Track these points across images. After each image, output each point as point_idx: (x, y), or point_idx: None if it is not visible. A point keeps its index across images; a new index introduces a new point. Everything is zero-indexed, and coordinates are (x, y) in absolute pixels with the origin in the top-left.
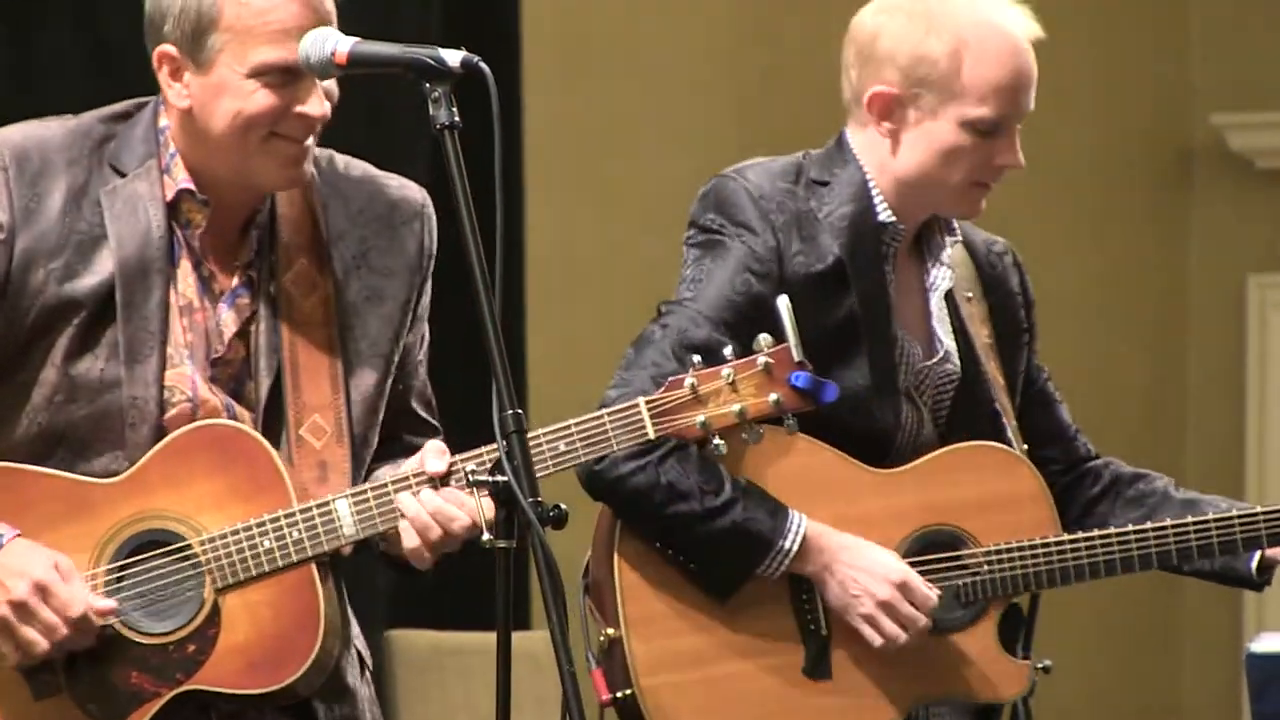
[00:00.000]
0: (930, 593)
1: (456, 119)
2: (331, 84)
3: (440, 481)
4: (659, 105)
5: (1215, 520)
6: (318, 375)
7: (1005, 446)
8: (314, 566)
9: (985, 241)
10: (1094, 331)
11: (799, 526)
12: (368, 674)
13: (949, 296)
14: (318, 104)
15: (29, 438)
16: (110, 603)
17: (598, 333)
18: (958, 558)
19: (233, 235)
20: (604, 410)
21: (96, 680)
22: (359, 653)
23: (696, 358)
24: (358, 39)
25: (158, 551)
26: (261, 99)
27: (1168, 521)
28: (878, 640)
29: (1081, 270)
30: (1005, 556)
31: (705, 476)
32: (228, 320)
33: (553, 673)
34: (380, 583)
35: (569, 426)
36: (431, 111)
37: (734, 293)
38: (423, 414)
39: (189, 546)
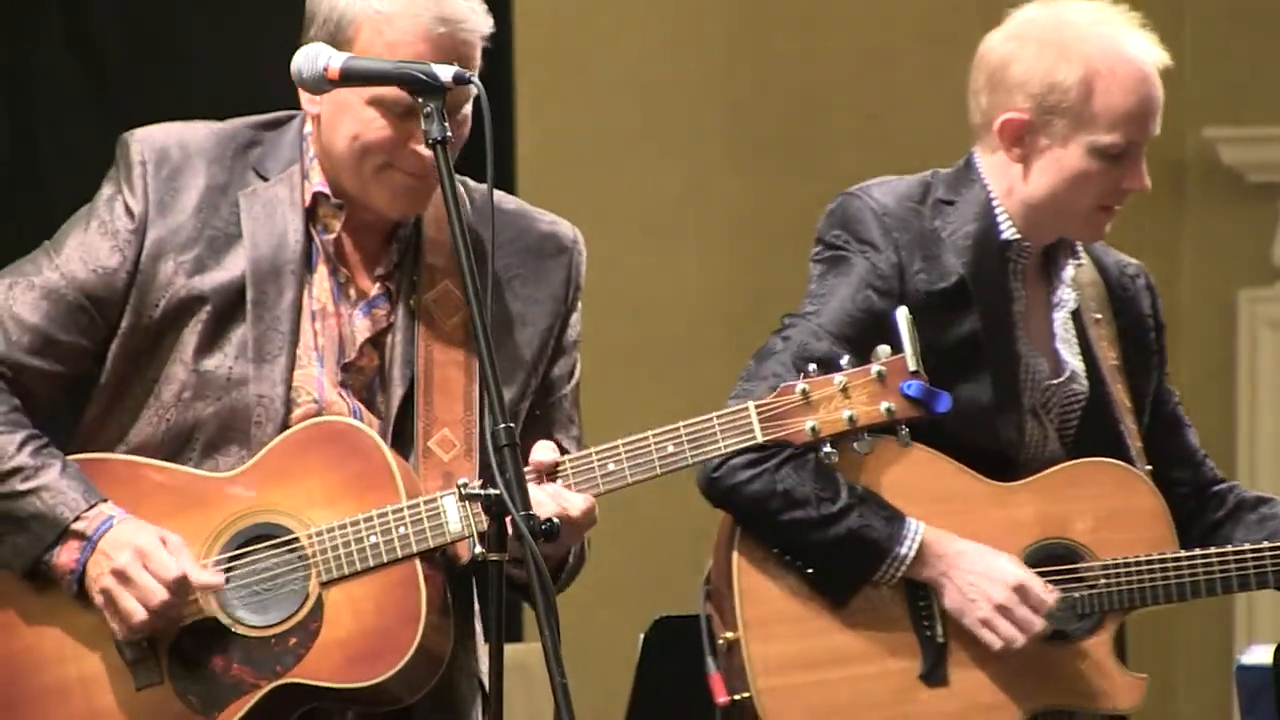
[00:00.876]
0: (1047, 596)
1: (449, 133)
2: (464, 120)
3: (547, 476)
4: (650, 118)
5: None
6: (452, 393)
7: (1125, 464)
8: (419, 564)
9: (1118, 264)
10: None
11: (916, 532)
12: (481, 703)
13: (1076, 317)
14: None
15: (159, 435)
16: (218, 577)
17: (589, 344)
18: (1074, 571)
19: (375, 244)
20: (714, 414)
21: (197, 671)
22: (480, 681)
23: (813, 366)
24: (350, 55)
25: (266, 544)
26: (378, 129)
27: None
28: (995, 643)
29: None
30: (1122, 571)
31: (821, 483)
32: (361, 327)
33: (545, 685)
34: None
35: (678, 428)
36: (424, 125)
37: (855, 308)
38: (569, 448)
39: (296, 540)
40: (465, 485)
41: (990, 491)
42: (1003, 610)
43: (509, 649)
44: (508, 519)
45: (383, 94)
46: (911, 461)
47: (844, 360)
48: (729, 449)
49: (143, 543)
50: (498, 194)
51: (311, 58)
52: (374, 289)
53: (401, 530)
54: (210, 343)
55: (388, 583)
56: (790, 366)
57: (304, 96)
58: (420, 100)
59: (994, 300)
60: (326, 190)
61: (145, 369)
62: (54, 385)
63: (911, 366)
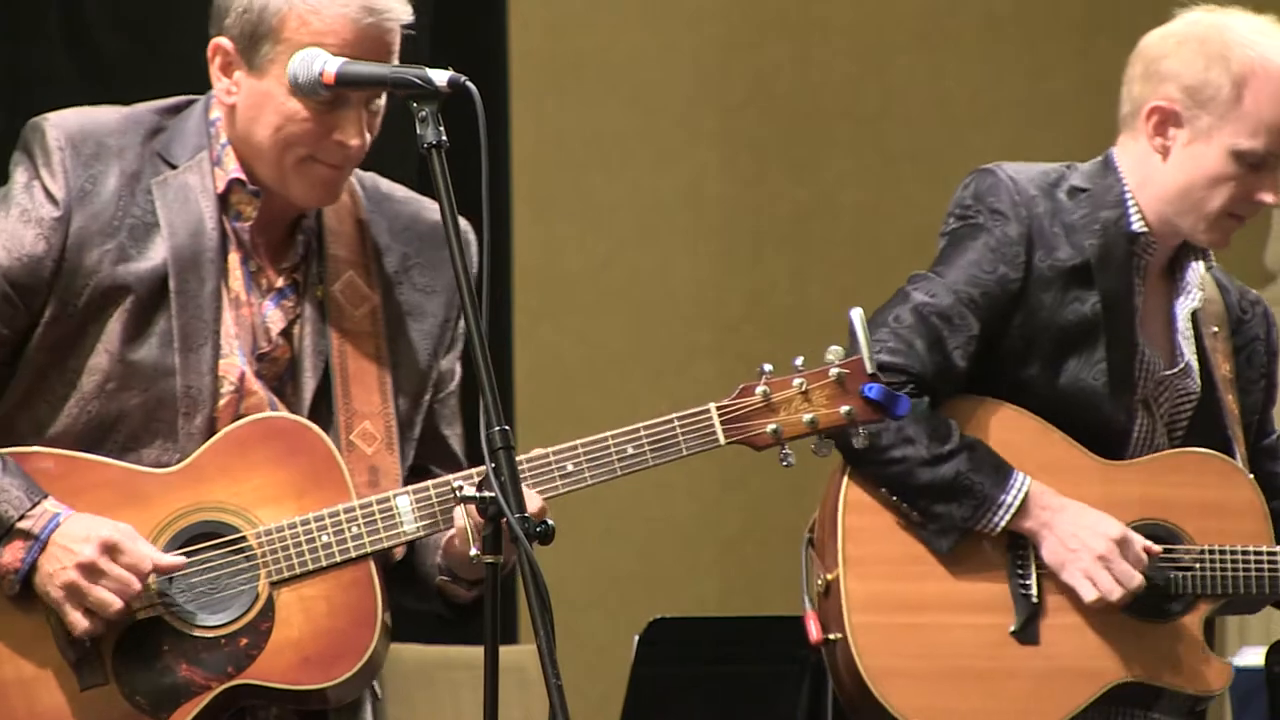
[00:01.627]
0: (1147, 547)
1: (444, 138)
2: (378, 111)
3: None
4: (644, 123)
5: None
6: (368, 384)
7: (1230, 459)
8: (371, 564)
9: (1240, 289)
10: None
11: (1022, 483)
12: (376, 705)
13: (1194, 321)
14: (357, 134)
15: (78, 427)
16: (179, 558)
17: (584, 348)
18: (1171, 552)
19: (279, 236)
20: (674, 415)
21: (144, 671)
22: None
23: (767, 366)
24: (345, 59)
25: (212, 543)
26: (303, 120)
27: None
28: (1092, 594)
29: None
30: (1218, 557)
31: (934, 425)
32: (274, 317)
33: (540, 686)
34: None
35: (638, 430)
36: (419, 130)
37: (981, 271)
38: (454, 446)
39: (244, 539)
40: (461, 488)
41: (1096, 467)
42: (1103, 560)
43: (504, 650)
44: (503, 521)
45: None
46: (1022, 427)
47: (799, 360)
48: (690, 452)
49: (107, 535)
50: (387, 181)
51: (307, 62)
52: (280, 280)
53: (354, 530)
54: (136, 332)
55: (340, 583)
56: (912, 313)
57: (220, 85)
58: (416, 104)
59: (1117, 287)
60: (242, 176)
61: (67, 359)
62: None
63: (869, 369)
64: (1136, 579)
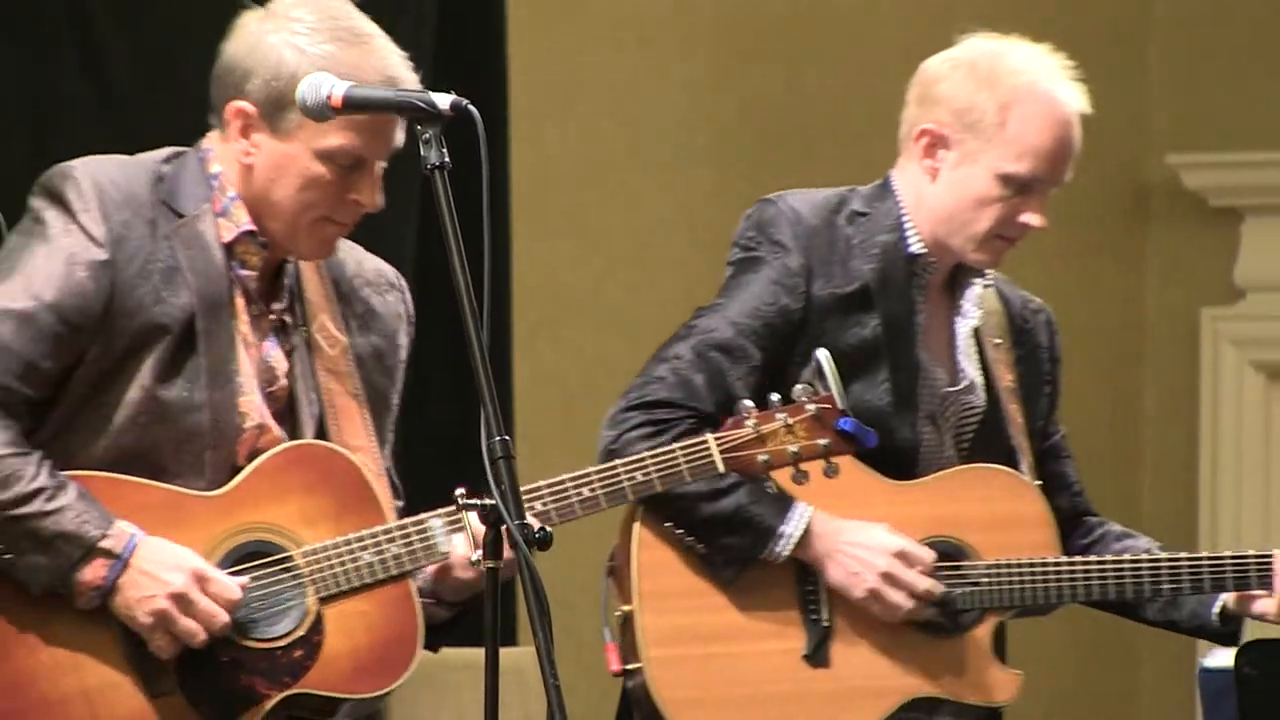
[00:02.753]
0: (927, 553)
1: (446, 159)
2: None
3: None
4: (638, 145)
5: (1197, 558)
6: (353, 421)
7: (1016, 472)
8: (410, 582)
9: (1022, 299)
10: None
11: (803, 513)
12: (382, 707)
13: (977, 337)
14: (372, 195)
15: (109, 457)
16: (239, 583)
17: (581, 362)
18: (959, 568)
19: (269, 281)
20: (677, 445)
21: (209, 682)
22: None
23: (748, 403)
24: (353, 83)
25: (260, 562)
26: (326, 184)
27: (1146, 556)
28: (884, 611)
29: (1043, 301)
30: (1004, 571)
31: None
32: (276, 358)
33: (539, 688)
34: None
35: (644, 458)
36: (422, 152)
37: (763, 304)
38: (394, 478)
39: (290, 558)
40: (462, 495)
41: (884, 487)
42: (887, 578)
43: (503, 652)
44: (503, 528)
45: (332, 149)
46: None
47: (775, 397)
48: (693, 478)
49: (196, 566)
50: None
51: (315, 86)
52: (272, 322)
53: (394, 550)
54: (168, 370)
55: (383, 600)
56: (691, 349)
57: (238, 145)
58: (420, 127)
59: (897, 308)
60: (254, 228)
61: (103, 394)
62: (30, 411)
63: (841, 405)
64: (922, 584)
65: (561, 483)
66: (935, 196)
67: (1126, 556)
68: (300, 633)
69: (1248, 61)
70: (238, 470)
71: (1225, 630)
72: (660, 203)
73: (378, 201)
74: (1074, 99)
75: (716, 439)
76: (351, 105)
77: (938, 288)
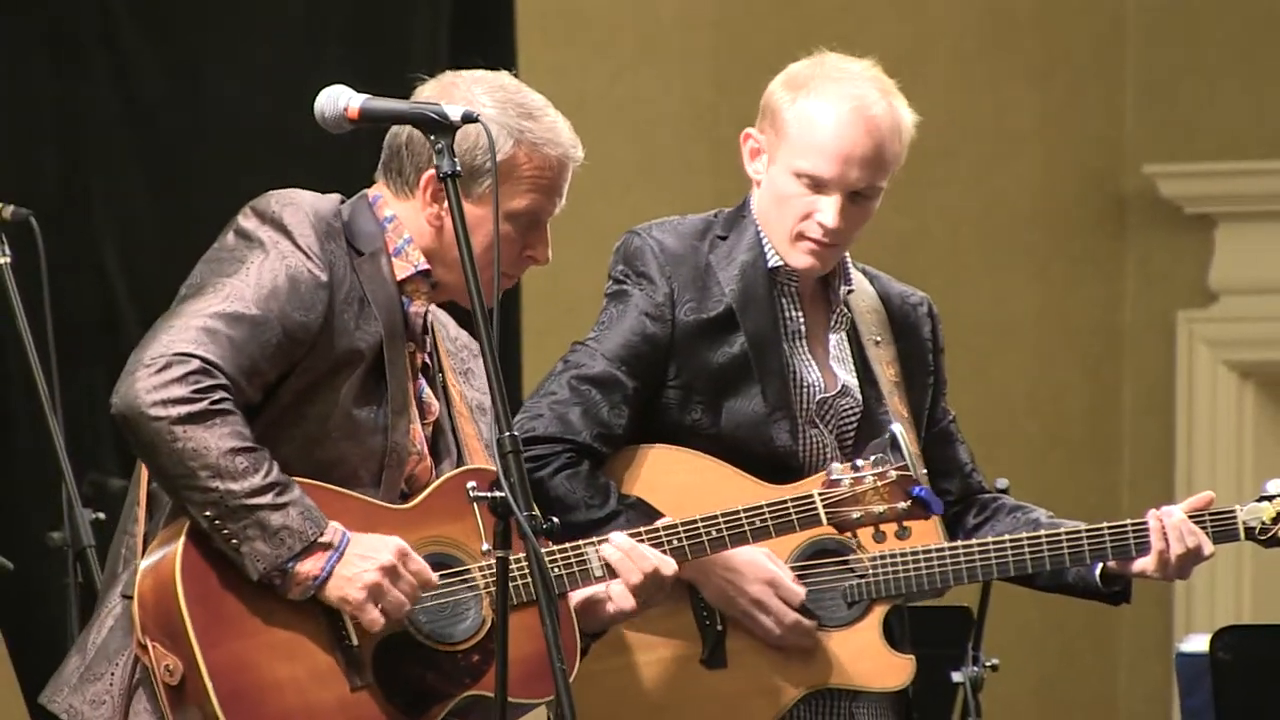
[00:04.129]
0: (797, 589)
1: (458, 168)
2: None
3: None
4: (641, 156)
5: (1072, 531)
6: (483, 462)
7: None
8: (568, 601)
9: (902, 293)
10: (1038, 361)
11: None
12: None
13: (854, 338)
14: (545, 251)
15: (302, 466)
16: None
17: None
18: (845, 562)
19: (419, 326)
20: (788, 498)
21: (401, 678)
22: None
23: (838, 465)
24: (369, 96)
25: (444, 572)
26: (508, 243)
27: (1025, 535)
28: (758, 634)
29: (1026, 305)
30: (888, 562)
31: (591, 491)
32: (430, 396)
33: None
34: None
35: (762, 508)
36: (435, 161)
37: (631, 334)
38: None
39: (469, 570)
40: (473, 488)
41: (768, 493)
42: (758, 604)
43: None
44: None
45: (518, 210)
46: (688, 467)
47: (859, 461)
48: (801, 528)
49: (400, 544)
50: None
51: (333, 99)
52: (419, 361)
53: (556, 572)
54: (363, 391)
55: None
56: (565, 386)
57: (427, 211)
58: (433, 138)
59: (762, 323)
60: (428, 268)
61: (306, 406)
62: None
63: (914, 474)
64: (789, 615)
65: (693, 523)
66: (760, 202)
67: (1007, 537)
68: (477, 639)
69: (1221, 75)
70: (403, 491)
71: (1111, 591)
72: (663, 210)
73: (549, 257)
74: (878, 107)
75: (820, 494)
76: (367, 117)
77: (812, 296)
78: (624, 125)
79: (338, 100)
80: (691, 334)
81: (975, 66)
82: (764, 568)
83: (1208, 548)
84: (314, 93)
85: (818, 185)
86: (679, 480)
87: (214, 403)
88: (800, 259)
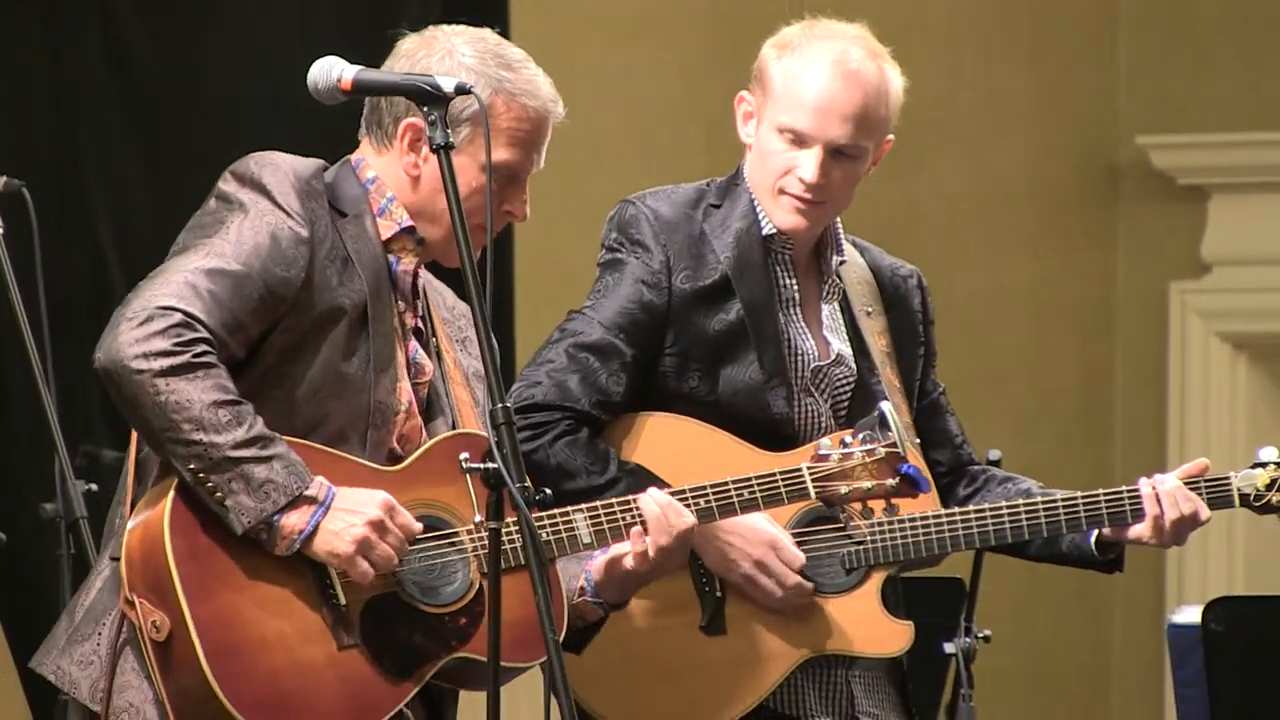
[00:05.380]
0: (798, 552)
1: (451, 140)
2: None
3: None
4: (635, 130)
5: (1069, 498)
6: (472, 425)
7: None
8: (556, 567)
9: (892, 265)
10: (1031, 333)
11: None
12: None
13: (847, 309)
14: (523, 208)
15: (286, 425)
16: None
17: None
18: (843, 528)
19: (409, 287)
20: (776, 470)
21: (388, 639)
22: None
23: (827, 440)
24: (362, 67)
25: (432, 534)
26: (483, 195)
27: (1022, 502)
28: (758, 596)
29: (1020, 277)
30: (886, 528)
31: (591, 458)
32: (424, 357)
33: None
34: None
35: (750, 480)
36: (428, 132)
37: (628, 302)
38: None
39: (457, 533)
40: (466, 459)
41: (765, 460)
42: (760, 566)
43: None
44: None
45: (496, 163)
46: (688, 435)
47: (847, 437)
48: (790, 501)
49: (386, 498)
50: None
51: (326, 70)
52: (410, 323)
53: (544, 537)
54: (346, 349)
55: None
56: (563, 354)
57: (406, 159)
58: (426, 109)
59: (757, 290)
60: (413, 224)
61: (289, 365)
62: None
63: (902, 453)
64: (791, 577)
65: (683, 493)
66: (750, 165)
67: (1004, 504)
68: (465, 602)
69: (1213, 46)
70: (392, 451)
71: (1105, 559)
72: (656, 182)
73: (527, 214)
74: (865, 65)
75: (809, 468)
76: (360, 89)
77: (805, 266)
78: (617, 99)
79: (331, 72)
80: (688, 302)
81: (969, 40)
82: (766, 530)
83: (1204, 512)
84: (307, 68)
85: (799, 140)
86: (677, 447)
87: (196, 355)
88: (784, 217)
